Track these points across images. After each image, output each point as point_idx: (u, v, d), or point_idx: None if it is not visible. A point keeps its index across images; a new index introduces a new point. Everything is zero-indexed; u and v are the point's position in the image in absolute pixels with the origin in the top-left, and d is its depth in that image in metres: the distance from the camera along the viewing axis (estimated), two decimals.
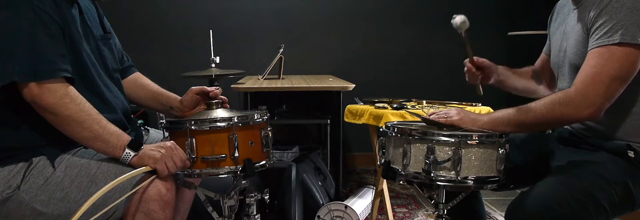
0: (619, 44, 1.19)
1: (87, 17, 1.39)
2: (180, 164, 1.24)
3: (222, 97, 1.45)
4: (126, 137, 1.25)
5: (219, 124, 1.26)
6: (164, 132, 1.32)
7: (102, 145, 1.23)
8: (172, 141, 1.27)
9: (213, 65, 2.59)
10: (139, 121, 1.59)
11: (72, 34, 1.28)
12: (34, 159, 1.24)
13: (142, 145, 1.25)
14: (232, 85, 2.51)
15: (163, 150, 1.23)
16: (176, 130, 1.28)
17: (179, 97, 1.53)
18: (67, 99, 1.19)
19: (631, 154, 1.28)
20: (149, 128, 1.61)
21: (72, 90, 1.21)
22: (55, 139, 1.26)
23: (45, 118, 1.21)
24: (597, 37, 1.23)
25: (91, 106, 1.23)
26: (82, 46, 1.31)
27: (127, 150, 1.23)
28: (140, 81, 1.61)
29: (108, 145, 1.23)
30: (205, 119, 1.28)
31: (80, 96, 1.22)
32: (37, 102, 1.18)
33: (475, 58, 1.53)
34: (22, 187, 1.22)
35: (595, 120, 1.28)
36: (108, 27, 1.52)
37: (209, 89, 1.46)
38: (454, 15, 1.42)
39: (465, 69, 1.57)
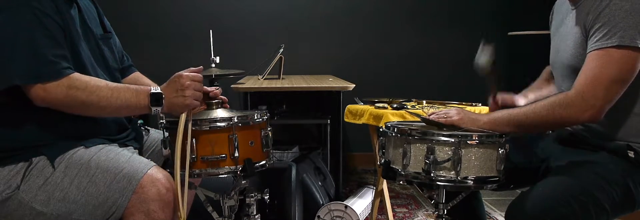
0: (617, 47, 1.19)
1: (86, 17, 1.39)
2: (201, 88, 1.28)
3: (222, 97, 1.45)
4: (144, 94, 1.24)
5: (219, 124, 1.26)
6: (164, 132, 1.31)
7: (128, 111, 1.29)
8: (180, 74, 1.27)
9: (213, 65, 2.59)
10: (139, 121, 1.59)
11: (71, 35, 1.27)
12: (33, 159, 1.24)
13: (162, 97, 1.24)
14: (232, 85, 2.51)
15: (185, 93, 1.24)
16: (176, 130, 1.28)
17: None
18: (73, 90, 1.19)
19: (631, 154, 1.28)
20: (149, 128, 1.61)
21: (73, 79, 1.21)
22: (55, 139, 1.26)
23: (66, 112, 1.22)
24: (595, 39, 1.23)
25: (96, 81, 1.23)
26: (80, 46, 1.31)
27: (153, 109, 1.24)
28: (140, 81, 1.61)
29: (132, 109, 1.25)
30: (205, 119, 1.27)
31: (83, 79, 1.22)
32: (48, 102, 1.19)
33: (498, 97, 1.53)
34: (22, 187, 1.22)
35: (595, 122, 1.28)
36: (108, 26, 1.52)
37: (208, 89, 1.46)
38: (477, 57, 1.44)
39: (489, 102, 1.57)
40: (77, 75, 1.22)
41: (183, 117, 1.24)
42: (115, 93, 1.23)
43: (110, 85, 1.24)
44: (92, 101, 1.21)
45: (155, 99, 1.24)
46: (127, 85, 1.26)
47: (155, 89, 1.25)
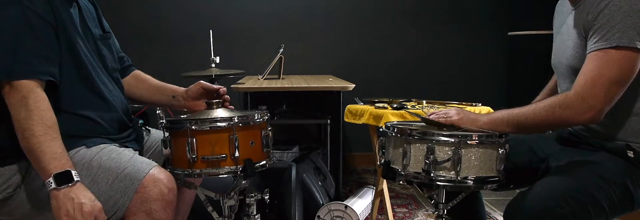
0: (616, 48, 1.19)
1: (86, 17, 1.39)
2: None
3: (224, 96, 1.46)
4: (59, 164, 1.13)
5: (219, 123, 1.26)
6: (164, 132, 1.32)
7: (34, 162, 1.15)
8: (98, 207, 1.13)
9: (213, 65, 2.59)
10: (140, 121, 1.59)
11: (68, 34, 1.27)
12: None
13: (70, 182, 1.12)
14: (232, 85, 2.51)
15: (75, 205, 1.10)
16: (176, 130, 1.28)
17: (183, 88, 1.54)
18: (23, 102, 1.15)
19: (631, 154, 1.28)
20: (149, 128, 1.61)
21: (35, 95, 1.16)
22: None
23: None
24: (595, 40, 1.23)
25: (47, 118, 1.15)
26: (79, 45, 1.31)
27: (49, 180, 1.12)
28: (141, 76, 1.61)
29: (39, 164, 1.13)
30: (206, 118, 1.27)
31: (42, 103, 1.16)
32: (6, 100, 1.17)
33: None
34: (23, 187, 1.22)
35: (595, 123, 1.28)
36: (107, 26, 1.52)
37: (215, 86, 1.46)
38: None
39: None
40: (43, 96, 1.17)
41: None
42: (46, 137, 1.13)
43: (52, 131, 1.14)
44: (24, 125, 1.13)
45: (63, 177, 1.12)
46: (64, 150, 1.16)
47: (77, 177, 1.13)
